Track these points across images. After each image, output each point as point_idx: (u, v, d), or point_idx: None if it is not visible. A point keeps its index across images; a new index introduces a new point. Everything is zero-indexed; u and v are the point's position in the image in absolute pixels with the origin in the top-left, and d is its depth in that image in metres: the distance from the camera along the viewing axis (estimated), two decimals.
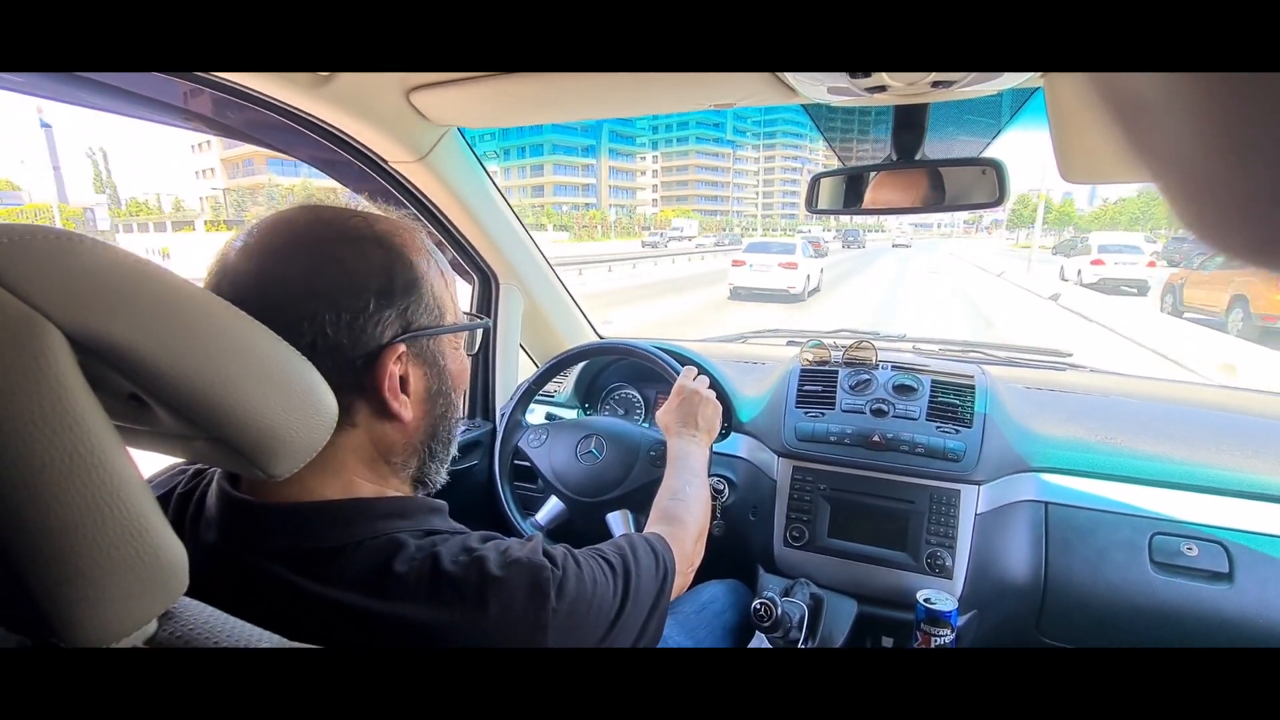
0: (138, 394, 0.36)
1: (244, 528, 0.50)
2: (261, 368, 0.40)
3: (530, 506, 1.26)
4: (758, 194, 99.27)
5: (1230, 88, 0.12)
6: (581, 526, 1.21)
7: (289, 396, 0.41)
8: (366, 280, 0.50)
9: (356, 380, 0.50)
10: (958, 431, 1.11)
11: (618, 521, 1.16)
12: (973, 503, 1.06)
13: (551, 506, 1.22)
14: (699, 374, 1.10)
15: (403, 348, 0.51)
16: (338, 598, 0.46)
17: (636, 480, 1.14)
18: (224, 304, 0.40)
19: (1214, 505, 0.98)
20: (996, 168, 0.86)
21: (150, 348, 0.34)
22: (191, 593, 0.41)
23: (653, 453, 1.15)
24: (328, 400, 0.44)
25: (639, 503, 1.16)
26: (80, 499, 0.32)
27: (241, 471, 0.49)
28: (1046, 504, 1.04)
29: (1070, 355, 1.46)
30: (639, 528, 1.16)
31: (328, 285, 0.48)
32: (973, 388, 1.17)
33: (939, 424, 1.13)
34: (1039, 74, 0.76)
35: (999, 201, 0.87)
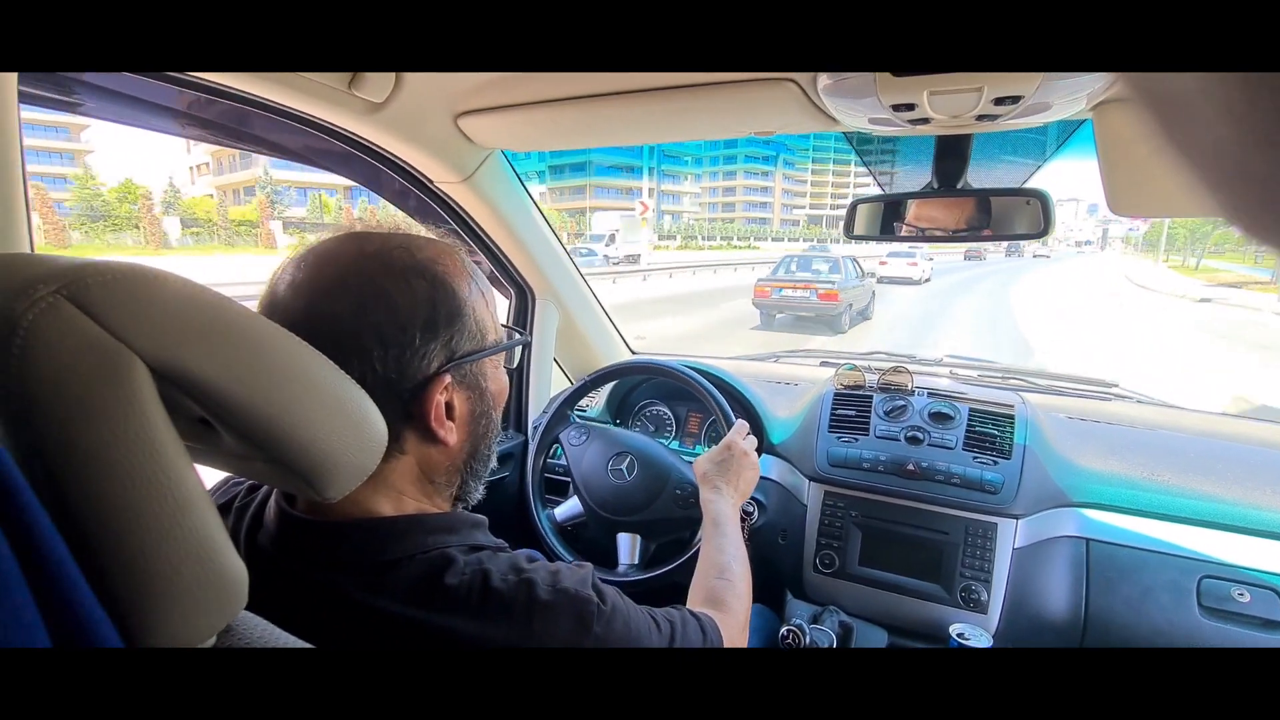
0: (206, 418, 0.39)
1: (302, 543, 0.52)
2: (321, 396, 0.42)
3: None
4: (704, 207, 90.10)
5: (1266, 83, 0.12)
6: (593, 534, 1.23)
7: (345, 423, 0.43)
8: (412, 314, 0.50)
9: (405, 410, 0.51)
10: (996, 463, 1.09)
11: (626, 543, 1.18)
12: (1010, 536, 1.03)
13: (571, 505, 1.24)
14: (749, 433, 1.07)
15: (449, 378, 0.53)
16: (390, 609, 0.48)
17: (657, 512, 1.15)
18: (289, 335, 0.43)
19: (1268, 550, 0.94)
20: (1042, 199, 0.85)
21: (223, 379, 0.36)
22: (252, 602, 0.43)
23: (679, 491, 1.15)
24: (379, 426, 0.46)
25: (652, 532, 1.17)
26: (156, 520, 0.34)
27: (297, 492, 0.51)
28: (1088, 540, 1.01)
29: (1115, 385, 1.42)
30: (645, 554, 1.18)
31: (375, 321, 0.49)
32: (1012, 418, 1.15)
33: (976, 454, 1.11)
34: (1087, 107, 0.75)
35: (1044, 233, 0.86)
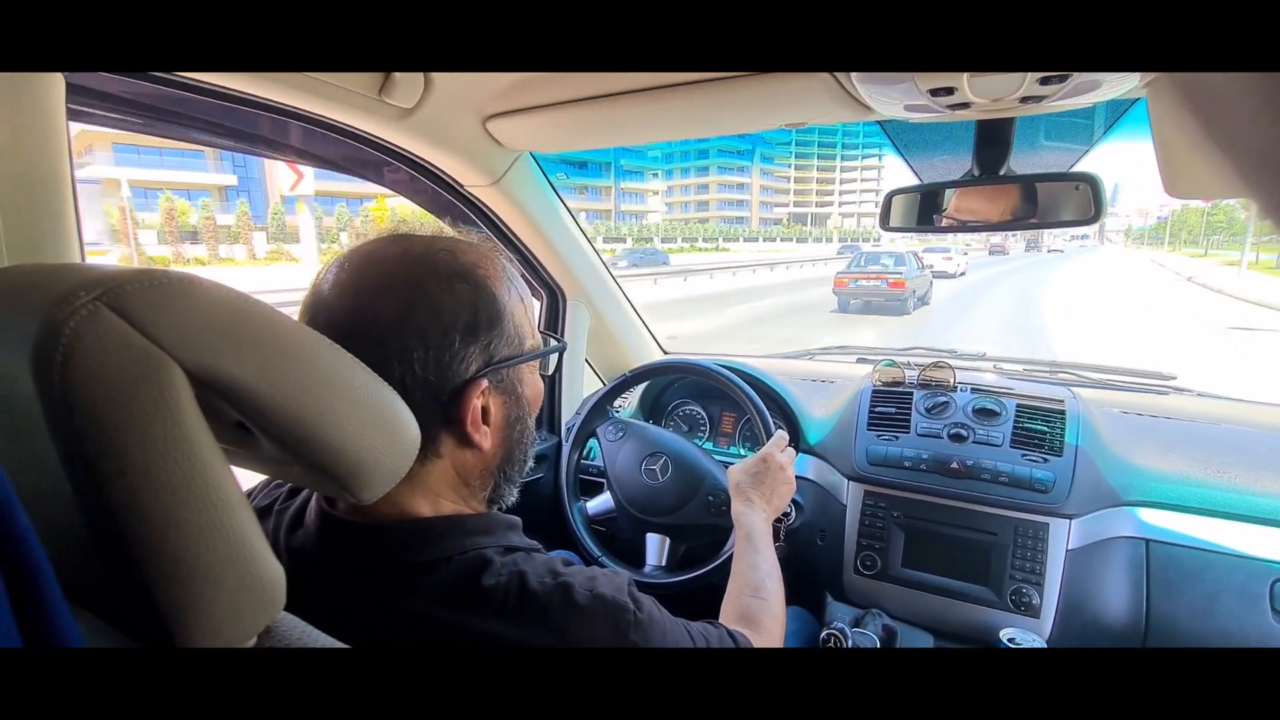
0: (244, 422, 0.39)
1: (341, 544, 0.52)
2: (355, 401, 0.42)
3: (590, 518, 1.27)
4: (675, 206, 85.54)
5: None
6: (623, 532, 1.22)
7: (379, 427, 0.43)
8: (455, 318, 0.51)
9: (443, 414, 0.52)
10: (1046, 460, 1.04)
11: (654, 544, 1.17)
12: (1063, 537, 0.99)
13: (603, 500, 1.24)
14: (789, 444, 1.05)
15: (485, 382, 0.53)
16: (428, 612, 0.48)
17: (687, 517, 1.14)
18: (323, 340, 0.43)
19: None
20: (1092, 183, 0.81)
21: (259, 384, 0.37)
22: (290, 603, 0.44)
23: (711, 498, 1.13)
24: (412, 429, 0.46)
25: (682, 536, 1.17)
26: (195, 524, 0.34)
27: (332, 494, 0.52)
28: (1148, 542, 0.96)
29: (1174, 378, 1.35)
30: (674, 556, 1.17)
31: (418, 324, 0.49)
32: (1063, 413, 1.10)
33: (1025, 451, 1.06)
34: (1141, 85, 0.71)
35: (1095, 219, 0.82)
